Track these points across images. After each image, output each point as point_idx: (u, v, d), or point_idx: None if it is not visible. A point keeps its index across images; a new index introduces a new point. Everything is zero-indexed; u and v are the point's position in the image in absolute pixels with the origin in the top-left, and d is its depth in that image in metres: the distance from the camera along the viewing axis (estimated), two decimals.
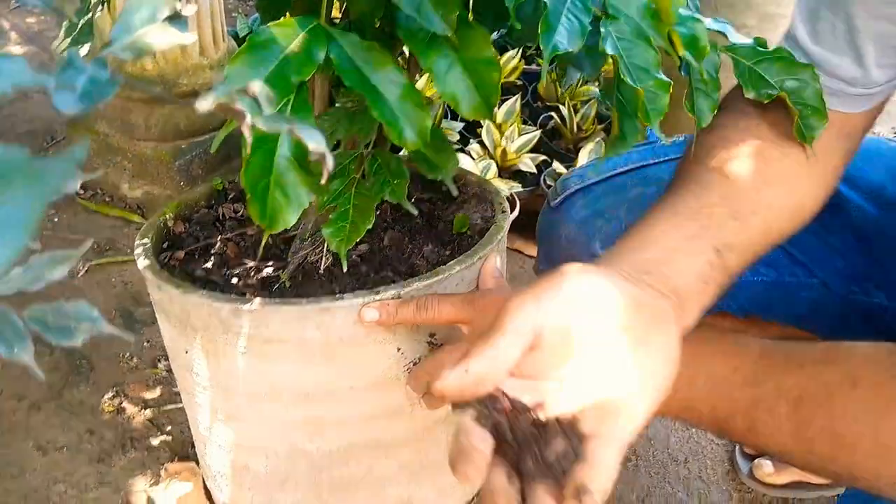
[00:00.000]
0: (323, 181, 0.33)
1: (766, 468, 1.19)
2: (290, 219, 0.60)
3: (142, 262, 0.84)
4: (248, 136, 0.29)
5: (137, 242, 0.88)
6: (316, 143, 0.30)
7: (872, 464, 0.53)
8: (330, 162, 0.30)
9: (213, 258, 0.92)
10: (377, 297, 0.74)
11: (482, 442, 0.50)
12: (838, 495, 1.21)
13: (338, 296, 0.74)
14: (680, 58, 0.65)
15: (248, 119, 0.29)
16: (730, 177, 0.69)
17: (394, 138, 0.60)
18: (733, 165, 0.69)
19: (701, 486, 1.22)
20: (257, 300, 0.75)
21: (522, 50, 2.11)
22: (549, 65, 0.61)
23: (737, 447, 1.26)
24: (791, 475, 1.19)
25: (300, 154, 0.61)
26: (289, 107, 0.61)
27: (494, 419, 0.53)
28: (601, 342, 0.53)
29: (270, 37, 0.58)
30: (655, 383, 0.53)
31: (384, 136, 0.86)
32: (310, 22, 0.60)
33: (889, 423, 0.52)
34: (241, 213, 1.00)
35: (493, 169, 1.70)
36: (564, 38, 0.57)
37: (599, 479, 0.48)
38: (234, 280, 0.86)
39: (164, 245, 0.94)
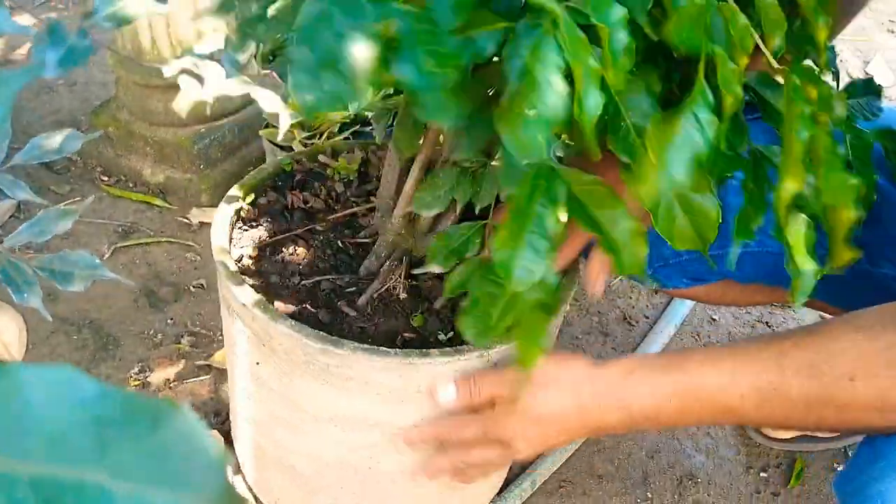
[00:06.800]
0: (279, 137, 0.36)
1: None
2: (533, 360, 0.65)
3: (222, 270, 0.86)
4: (209, 99, 0.33)
5: (215, 246, 0.89)
6: (270, 104, 0.34)
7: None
8: (285, 120, 0.34)
9: (282, 261, 0.93)
10: (462, 358, 0.80)
11: None
12: (845, 447, 1.23)
13: (424, 351, 0.79)
14: None
15: (210, 84, 0.33)
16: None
17: (616, 263, 0.61)
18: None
19: (709, 442, 1.25)
20: (348, 345, 0.79)
21: None
22: None
23: None
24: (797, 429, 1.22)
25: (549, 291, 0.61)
26: None
27: None
28: None
29: None
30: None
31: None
32: None
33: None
34: (309, 203, 1.00)
35: None
36: None
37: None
38: (302, 292, 0.89)
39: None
